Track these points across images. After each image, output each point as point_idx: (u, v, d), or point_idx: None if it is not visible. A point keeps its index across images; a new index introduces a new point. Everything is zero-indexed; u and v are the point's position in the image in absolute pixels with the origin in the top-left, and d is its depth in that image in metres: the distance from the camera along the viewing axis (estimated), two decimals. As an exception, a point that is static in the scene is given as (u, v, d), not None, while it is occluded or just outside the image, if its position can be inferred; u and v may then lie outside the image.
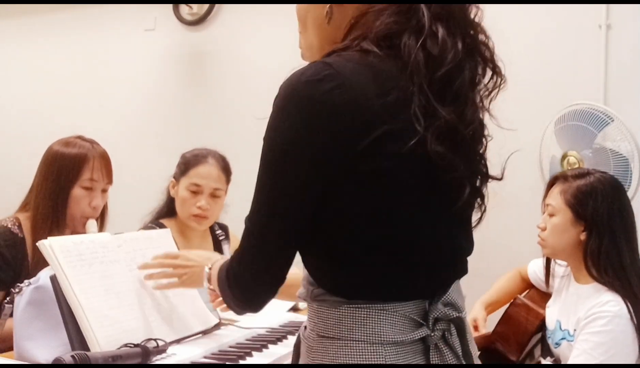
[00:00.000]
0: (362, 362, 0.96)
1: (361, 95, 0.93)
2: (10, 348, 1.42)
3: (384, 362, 0.96)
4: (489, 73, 1.05)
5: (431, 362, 0.99)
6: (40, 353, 1.33)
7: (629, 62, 2.97)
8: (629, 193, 2.45)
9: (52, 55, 4.60)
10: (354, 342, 0.97)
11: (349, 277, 0.98)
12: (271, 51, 3.89)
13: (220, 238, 2.51)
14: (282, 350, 1.48)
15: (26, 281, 1.41)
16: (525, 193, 3.03)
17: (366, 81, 0.94)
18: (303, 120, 0.93)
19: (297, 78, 0.96)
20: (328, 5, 1.05)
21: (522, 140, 3.05)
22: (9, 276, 1.76)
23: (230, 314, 1.87)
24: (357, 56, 0.97)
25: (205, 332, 1.60)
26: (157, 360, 1.35)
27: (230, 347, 1.50)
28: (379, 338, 0.97)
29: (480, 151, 1.08)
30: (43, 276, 1.40)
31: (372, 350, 0.97)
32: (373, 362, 0.96)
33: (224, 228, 2.54)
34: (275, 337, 1.56)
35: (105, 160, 1.94)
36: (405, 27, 0.97)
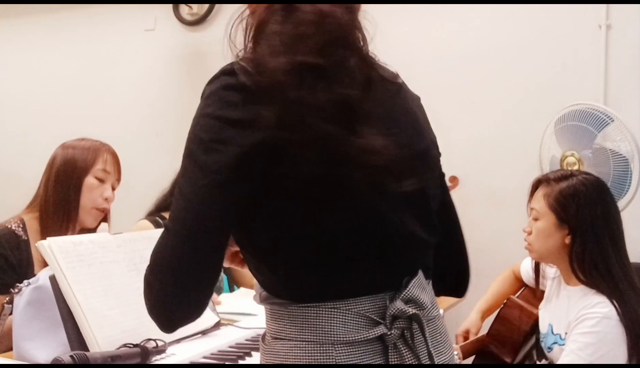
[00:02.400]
0: (312, 362, 0.94)
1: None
2: (10, 348, 1.42)
3: (333, 361, 0.93)
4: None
5: (389, 359, 0.95)
6: (39, 353, 1.33)
7: (629, 62, 2.97)
8: (629, 194, 2.45)
9: (52, 55, 4.59)
10: (305, 343, 0.95)
11: (292, 280, 0.96)
12: (271, 51, 3.88)
13: None
14: (282, 350, 1.47)
15: (25, 281, 1.41)
16: (525, 194, 3.03)
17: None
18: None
19: None
20: None
21: (522, 140, 3.08)
22: (13, 279, 1.74)
23: (231, 314, 1.87)
24: None
25: (204, 332, 1.60)
26: (157, 360, 1.35)
27: (230, 347, 1.50)
28: (330, 338, 0.94)
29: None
30: (42, 276, 1.40)
31: (322, 351, 0.94)
32: (324, 362, 0.94)
33: None
34: (275, 337, 1.56)
35: (115, 158, 1.98)
36: None
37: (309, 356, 0.95)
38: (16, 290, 1.41)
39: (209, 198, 0.91)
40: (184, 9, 4.17)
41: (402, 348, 0.95)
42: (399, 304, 0.96)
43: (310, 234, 0.94)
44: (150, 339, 1.36)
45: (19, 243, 1.82)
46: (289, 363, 0.95)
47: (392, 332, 0.95)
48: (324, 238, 0.94)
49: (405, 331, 0.96)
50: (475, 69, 3.24)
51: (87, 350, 1.27)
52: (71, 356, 1.17)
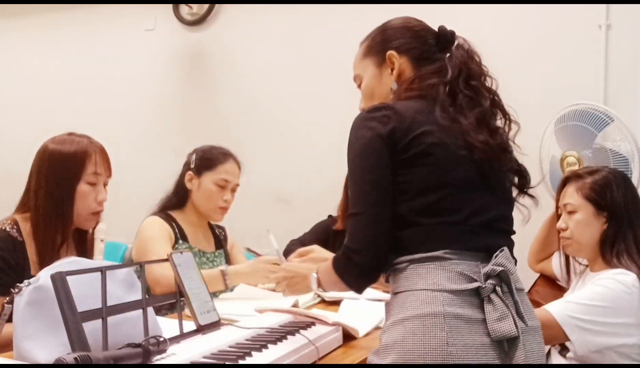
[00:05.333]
0: (424, 304, 1.22)
1: (406, 114, 1.34)
2: (10, 348, 1.42)
3: (441, 305, 1.21)
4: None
5: (485, 312, 1.22)
6: (40, 353, 1.33)
7: (629, 62, 2.97)
8: (629, 194, 2.45)
9: (52, 55, 4.60)
10: (418, 291, 1.25)
11: (408, 236, 1.30)
12: (271, 51, 3.89)
13: (221, 236, 2.59)
14: (282, 350, 1.47)
15: (26, 281, 1.40)
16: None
17: (411, 108, 1.37)
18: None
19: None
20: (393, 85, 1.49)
21: (522, 140, 3.07)
22: (12, 280, 1.72)
23: (231, 314, 1.88)
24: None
25: (204, 332, 1.60)
26: (157, 360, 1.35)
27: (230, 347, 1.50)
28: (437, 287, 1.23)
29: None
30: (43, 276, 1.39)
31: (431, 296, 1.23)
32: (433, 305, 1.21)
33: (222, 228, 2.64)
34: (275, 337, 1.56)
35: (105, 154, 1.92)
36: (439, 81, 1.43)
37: (421, 300, 1.23)
38: (16, 290, 1.40)
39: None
40: (184, 9, 4.18)
41: (495, 300, 1.22)
42: (489, 266, 1.26)
43: (428, 201, 1.30)
44: (151, 337, 1.36)
45: (15, 245, 1.80)
46: (411, 306, 1.24)
47: (486, 285, 1.24)
48: (436, 206, 1.30)
49: (497, 287, 1.24)
50: (475, 69, 3.24)
51: (88, 349, 1.27)
52: (75, 358, 1.17)
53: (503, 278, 1.26)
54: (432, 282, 1.24)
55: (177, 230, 2.37)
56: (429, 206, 1.30)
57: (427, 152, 1.31)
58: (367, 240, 1.32)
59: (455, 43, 1.49)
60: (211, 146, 2.49)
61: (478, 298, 1.24)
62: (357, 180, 1.35)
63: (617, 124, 2.45)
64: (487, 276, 1.25)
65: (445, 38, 1.51)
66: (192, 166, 2.43)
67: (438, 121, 1.34)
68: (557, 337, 1.78)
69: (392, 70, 1.50)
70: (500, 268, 1.25)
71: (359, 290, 1.39)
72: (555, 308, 1.79)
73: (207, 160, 2.43)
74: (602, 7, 3.02)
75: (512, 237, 1.42)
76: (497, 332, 1.20)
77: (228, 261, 2.55)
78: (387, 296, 2.45)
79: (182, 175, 2.45)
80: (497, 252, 1.29)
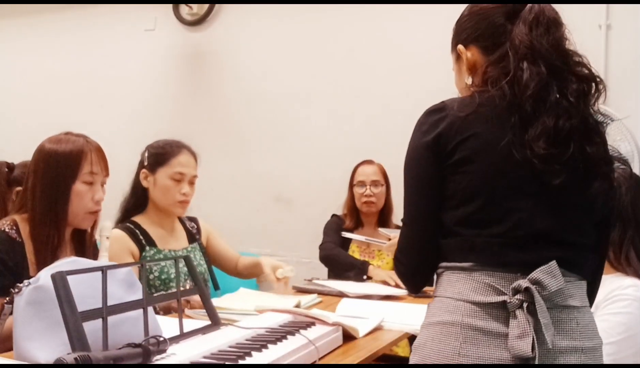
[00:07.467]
0: (446, 313, 1.24)
1: (456, 115, 1.26)
2: (10, 348, 1.42)
3: (460, 315, 1.22)
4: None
5: (509, 327, 1.18)
6: (40, 353, 1.33)
7: (629, 62, 2.97)
8: (629, 194, 2.45)
9: (52, 55, 4.60)
10: (445, 298, 1.27)
11: (447, 244, 1.29)
12: (271, 51, 3.89)
13: (193, 230, 2.53)
14: (282, 350, 1.47)
15: (26, 281, 1.40)
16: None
17: (464, 106, 1.27)
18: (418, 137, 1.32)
19: None
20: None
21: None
22: (11, 281, 1.71)
23: (231, 314, 1.87)
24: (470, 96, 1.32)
25: (204, 332, 1.60)
26: (157, 360, 1.35)
27: (230, 347, 1.50)
28: (461, 296, 1.24)
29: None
30: (43, 276, 1.39)
31: (454, 305, 1.24)
32: (454, 314, 1.23)
33: (194, 220, 2.57)
34: (275, 337, 1.56)
35: (101, 153, 1.91)
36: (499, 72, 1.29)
37: (445, 307, 1.26)
38: (16, 290, 1.40)
39: None
40: (184, 9, 4.18)
41: (519, 316, 1.18)
42: (521, 281, 1.20)
43: (468, 211, 1.26)
44: (151, 337, 1.36)
45: (14, 246, 1.78)
46: (436, 312, 1.27)
47: (512, 301, 1.19)
48: (477, 216, 1.25)
49: (524, 303, 1.19)
50: (475, 69, 3.24)
51: (88, 349, 1.27)
52: (75, 358, 1.16)
53: (534, 295, 1.19)
54: (458, 291, 1.25)
55: (141, 238, 2.30)
56: (469, 216, 1.26)
57: (470, 159, 1.25)
58: (408, 249, 1.36)
59: (521, 15, 1.32)
60: (164, 141, 2.43)
61: (506, 312, 1.21)
62: (405, 189, 1.36)
63: (617, 124, 2.46)
64: (515, 291, 1.20)
65: (514, 11, 1.33)
66: (146, 164, 2.37)
67: (491, 122, 1.25)
68: None
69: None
70: (526, 285, 1.19)
71: (410, 290, 1.46)
72: None
73: (159, 155, 2.37)
74: (602, 7, 3.02)
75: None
76: (514, 349, 1.17)
77: (205, 253, 2.50)
78: (397, 291, 2.48)
79: (138, 175, 2.40)
80: (542, 266, 1.21)
